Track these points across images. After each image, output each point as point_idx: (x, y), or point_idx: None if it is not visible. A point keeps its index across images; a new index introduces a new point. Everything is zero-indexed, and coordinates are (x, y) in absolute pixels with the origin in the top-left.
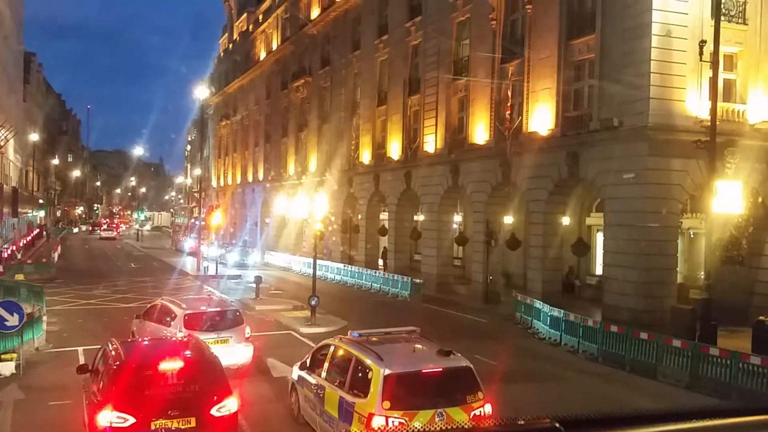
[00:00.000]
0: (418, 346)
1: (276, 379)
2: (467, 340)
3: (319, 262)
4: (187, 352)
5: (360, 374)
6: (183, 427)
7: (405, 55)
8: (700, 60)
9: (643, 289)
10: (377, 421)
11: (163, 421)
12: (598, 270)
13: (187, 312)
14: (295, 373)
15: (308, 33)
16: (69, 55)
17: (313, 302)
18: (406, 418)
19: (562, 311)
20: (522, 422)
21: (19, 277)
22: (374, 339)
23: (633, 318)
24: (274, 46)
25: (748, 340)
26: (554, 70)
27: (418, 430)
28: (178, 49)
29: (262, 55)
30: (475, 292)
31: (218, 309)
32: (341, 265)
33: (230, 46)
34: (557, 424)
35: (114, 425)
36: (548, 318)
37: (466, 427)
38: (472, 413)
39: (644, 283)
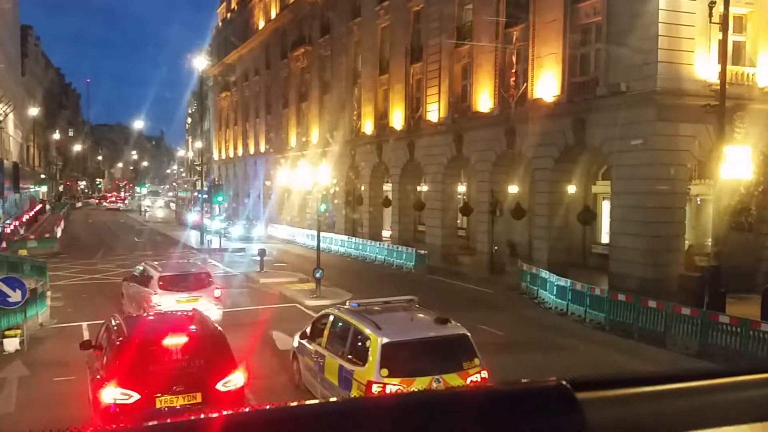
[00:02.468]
0: (416, 314)
1: (281, 351)
2: (473, 310)
3: (323, 234)
4: (192, 327)
5: (359, 343)
6: (188, 403)
7: (407, 22)
8: (710, 22)
9: (650, 256)
10: (375, 389)
11: (168, 397)
12: (605, 239)
13: (162, 274)
14: (296, 341)
15: (307, 0)
16: (67, 29)
17: (317, 275)
18: (404, 385)
19: (569, 280)
20: (528, 382)
21: (23, 252)
22: (373, 308)
23: (640, 286)
24: (273, 15)
25: (756, 306)
26: (560, 35)
27: (423, 389)
28: (177, 20)
29: (261, 23)
30: (480, 262)
31: (190, 272)
32: (345, 237)
33: (228, 15)
34: (564, 382)
35: (118, 402)
36: (554, 287)
37: (471, 386)
38: (469, 379)
39: (651, 251)
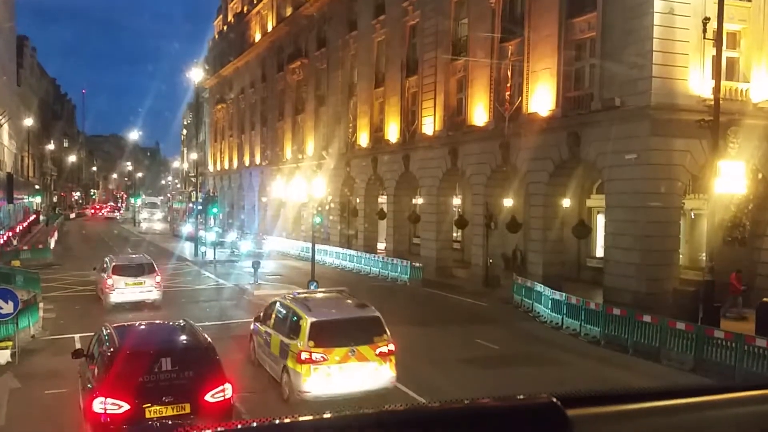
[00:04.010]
0: (342, 301)
1: None
2: (468, 324)
3: (317, 246)
4: (182, 339)
5: (295, 323)
6: (177, 414)
7: (402, 36)
8: (704, 38)
9: (644, 271)
10: (304, 356)
11: (158, 408)
12: (599, 252)
13: (115, 263)
14: (253, 325)
15: (304, 13)
16: (63, 39)
17: (312, 287)
18: (326, 354)
19: (564, 294)
20: (519, 398)
21: (16, 263)
22: (309, 296)
23: (634, 300)
24: (269, 28)
25: (751, 321)
26: (555, 50)
27: (415, 405)
28: (173, 32)
29: (257, 36)
30: (475, 275)
31: (137, 262)
32: (340, 249)
33: (225, 28)
34: (554, 399)
35: (108, 411)
36: (549, 301)
37: (462, 402)
38: (378, 350)
39: (646, 265)
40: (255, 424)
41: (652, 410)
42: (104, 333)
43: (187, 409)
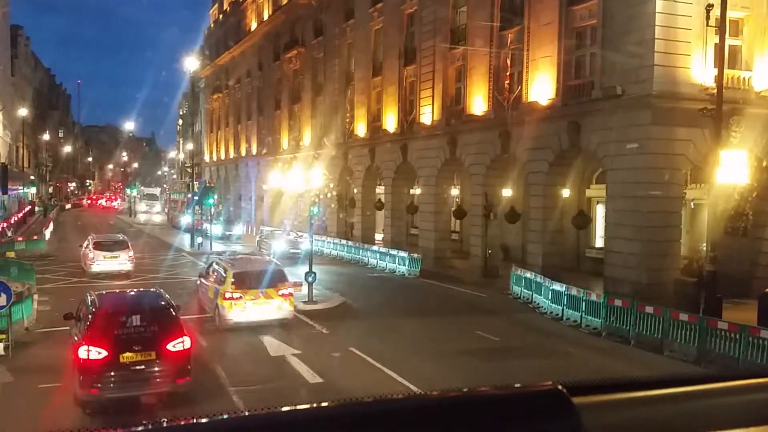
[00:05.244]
0: (257, 259)
1: (273, 357)
2: (467, 315)
3: (315, 237)
4: (149, 301)
5: (223, 274)
6: (145, 359)
7: (400, 24)
8: (707, 25)
9: (645, 261)
10: (227, 295)
11: (129, 354)
12: (599, 243)
13: (95, 240)
14: (198, 280)
15: (300, 1)
16: (58, 29)
17: (309, 279)
18: (243, 294)
19: (564, 285)
20: (525, 386)
21: (10, 254)
22: (235, 257)
23: (635, 291)
24: (266, 16)
25: (752, 312)
26: (555, 38)
27: (418, 394)
28: (169, 21)
29: (254, 25)
30: (474, 266)
31: (114, 240)
32: (338, 240)
33: (220, 16)
34: (560, 387)
35: (91, 357)
36: (549, 292)
37: (467, 390)
38: (280, 292)
39: (647, 256)
40: (253, 414)
41: (658, 398)
42: (88, 299)
43: (153, 356)
